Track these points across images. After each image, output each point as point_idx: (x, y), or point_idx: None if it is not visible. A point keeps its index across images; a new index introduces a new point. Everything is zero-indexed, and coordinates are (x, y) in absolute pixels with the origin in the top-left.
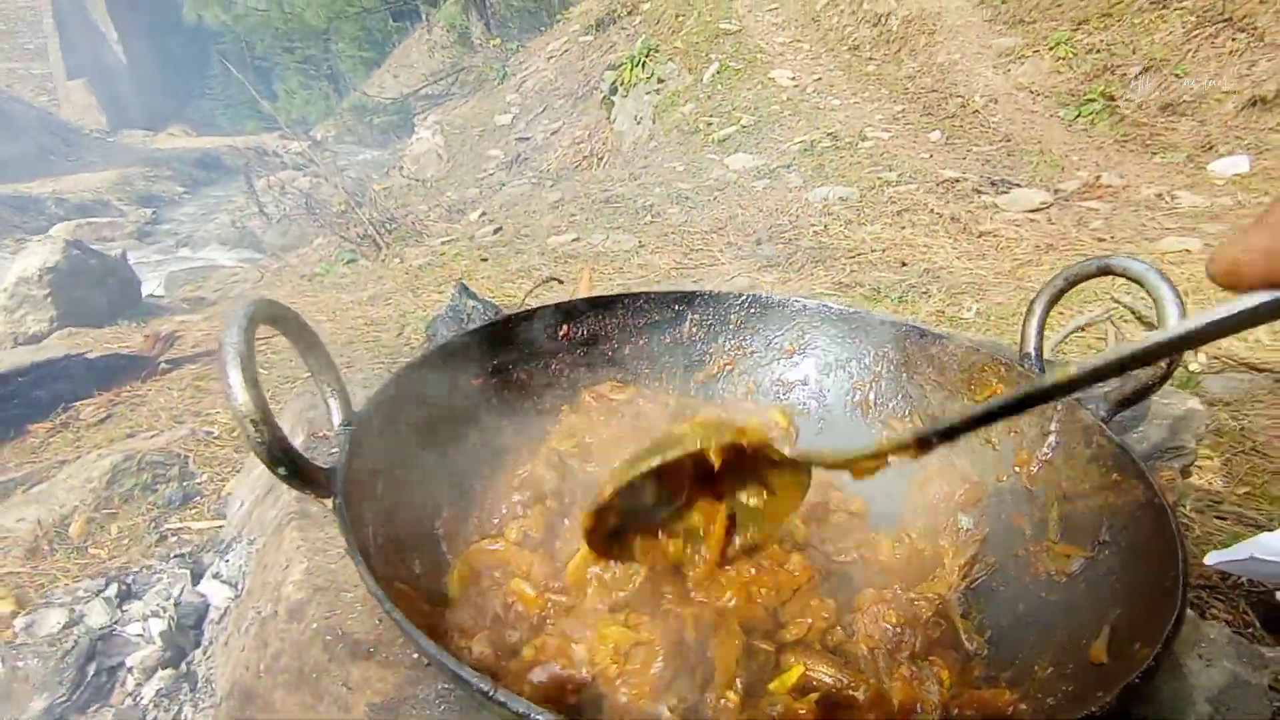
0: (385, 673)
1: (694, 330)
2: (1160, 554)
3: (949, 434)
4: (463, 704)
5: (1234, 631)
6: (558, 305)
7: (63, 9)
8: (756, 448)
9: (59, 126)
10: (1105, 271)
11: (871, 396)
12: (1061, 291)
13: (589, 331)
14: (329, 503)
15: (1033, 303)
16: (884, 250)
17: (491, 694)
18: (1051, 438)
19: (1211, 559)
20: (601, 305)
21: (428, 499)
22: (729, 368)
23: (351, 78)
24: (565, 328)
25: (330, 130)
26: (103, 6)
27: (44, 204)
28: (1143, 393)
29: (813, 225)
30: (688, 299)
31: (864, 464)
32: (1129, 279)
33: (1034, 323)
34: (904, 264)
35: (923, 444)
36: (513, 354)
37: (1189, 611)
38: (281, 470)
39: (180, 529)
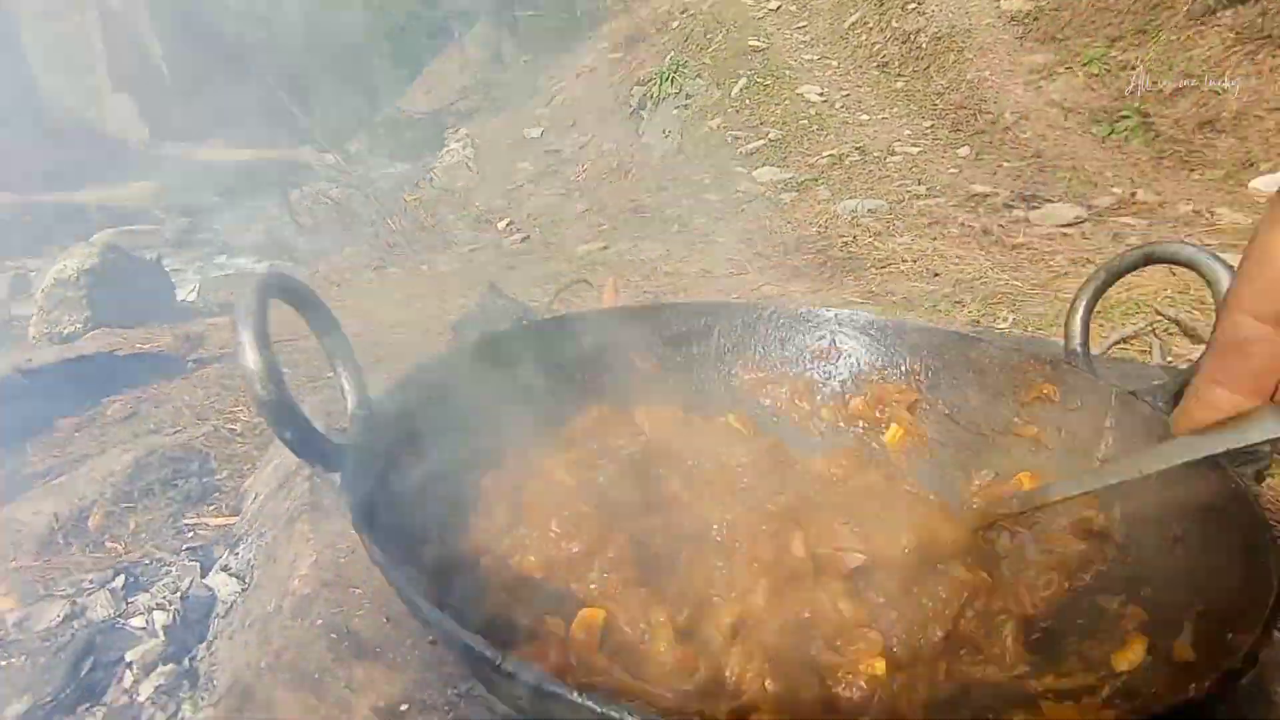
0: (392, 674)
1: (723, 341)
2: (1242, 541)
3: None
4: (473, 708)
5: None
6: (581, 313)
7: (110, 25)
8: None
9: (103, 138)
10: (1149, 260)
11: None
12: (1105, 284)
13: (612, 341)
14: (336, 478)
15: (1075, 299)
16: (915, 261)
17: (499, 664)
18: (1108, 435)
19: None
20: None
21: (445, 492)
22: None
23: (385, 93)
24: (589, 338)
25: (363, 144)
26: (147, 21)
27: (87, 212)
28: None
29: (841, 237)
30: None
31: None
32: (1179, 264)
33: (1078, 319)
34: (936, 275)
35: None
36: (538, 358)
37: (1276, 634)
38: (288, 434)
39: (198, 524)
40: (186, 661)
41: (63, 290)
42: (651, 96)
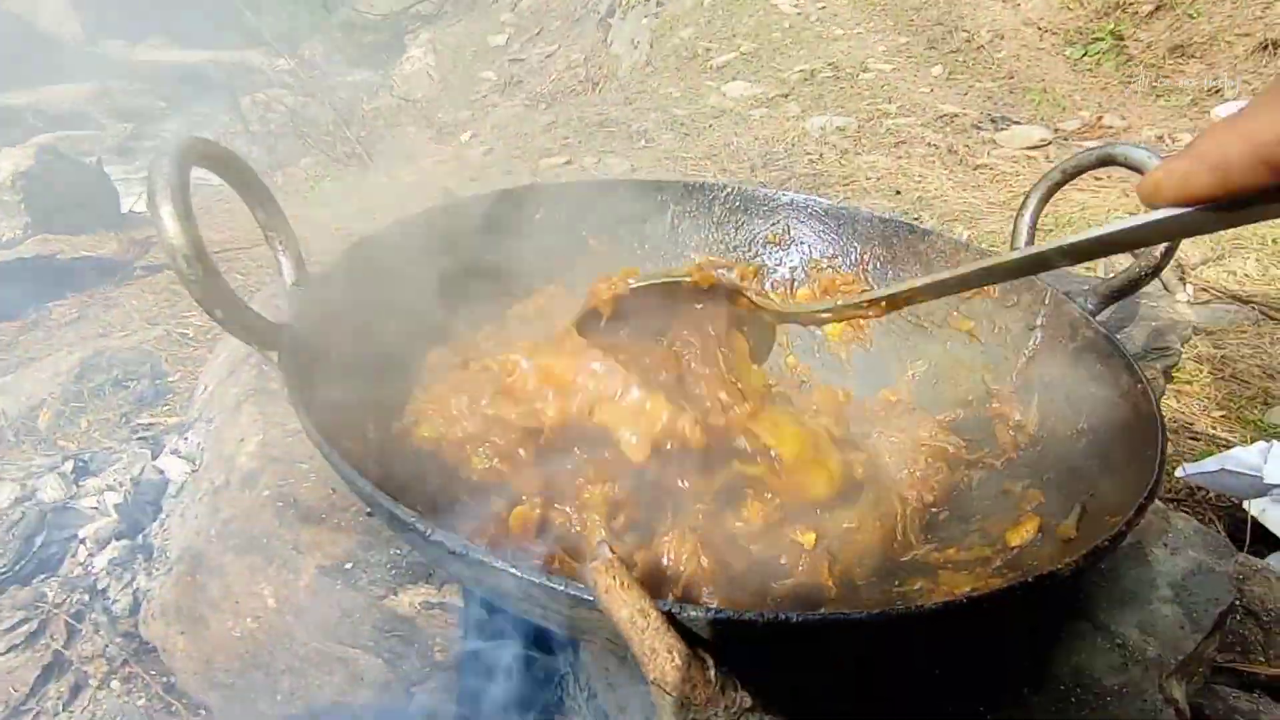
0: (337, 536)
1: (676, 223)
2: (1140, 434)
3: (906, 298)
4: (413, 568)
5: None
6: (533, 187)
7: None
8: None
9: (35, 35)
10: (1106, 161)
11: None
12: (1058, 184)
13: (567, 217)
14: (273, 355)
15: (1026, 196)
16: (878, 179)
17: (428, 535)
18: (1037, 333)
19: (1183, 470)
20: (580, 190)
21: (386, 366)
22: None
23: None
24: (541, 211)
25: (318, 48)
26: None
27: (21, 115)
28: (1132, 285)
29: (808, 154)
30: (667, 188)
31: (823, 317)
32: (1130, 167)
33: (1026, 217)
34: (898, 192)
35: (887, 305)
36: (487, 235)
37: (1159, 503)
38: (218, 313)
39: (152, 424)
40: (140, 538)
41: None
42: (621, 3)
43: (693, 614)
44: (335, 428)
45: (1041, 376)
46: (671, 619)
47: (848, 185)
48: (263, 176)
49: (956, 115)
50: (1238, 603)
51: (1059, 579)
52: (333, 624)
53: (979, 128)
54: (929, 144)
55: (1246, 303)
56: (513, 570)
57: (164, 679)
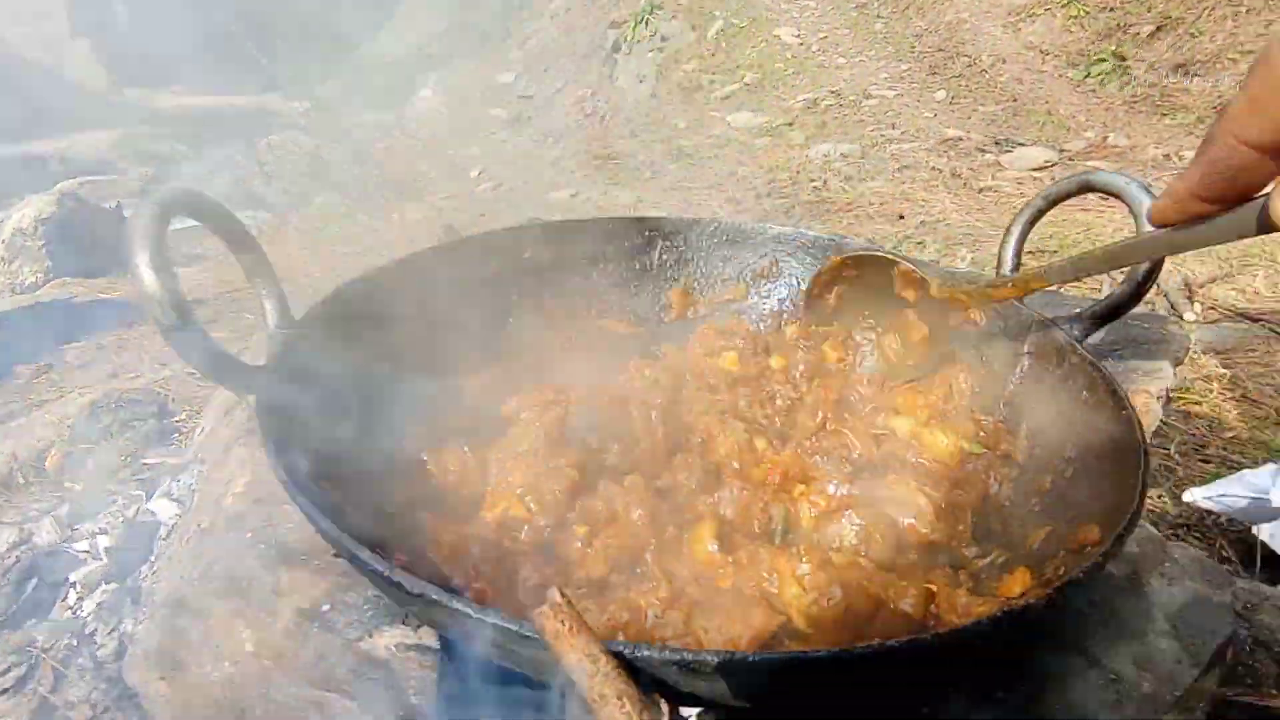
0: (315, 579)
1: (664, 257)
2: (1125, 463)
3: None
4: (390, 609)
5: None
6: (521, 228)
7: None
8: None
9: (63, 85)
10: (1086, 188)
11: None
12: (1041, 211)
13: (555, 256)
14: (251, 399)
15: (1010, 225)
16: (882, 204)
17: (388, 575)
18: (1024, 359)
19: (1190, 495)
20: (569, 230)
21: (372, 408)
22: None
23: (354, 38)
24: (530, 251)
25: (332, 90)
26: None
27: (48, 163)
28: (1116, 310)
29: (812, 180)
30: (656, 225)
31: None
32: (1109, 194)
33: (1011, 244)
34: (901, 217)
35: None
36: (476, 275)
37: (1155, 532)
38: (194, 358)
39: (157, 464)
40: (129, 581)
41: (21, 240)
42: (626, 39)
43: (646, 654)
44: (310, 469)
45: (1029, 405)
46: (623, 661)
47: (851, 211)
48: (279, 214)
49: (960, 139)
50: (1245, 633)
51: (1027, 614)
52: (308, 667)
53: (983, 151)
54: (932, 168)
55: (1256, 320)
56: (468, 611)
57: None
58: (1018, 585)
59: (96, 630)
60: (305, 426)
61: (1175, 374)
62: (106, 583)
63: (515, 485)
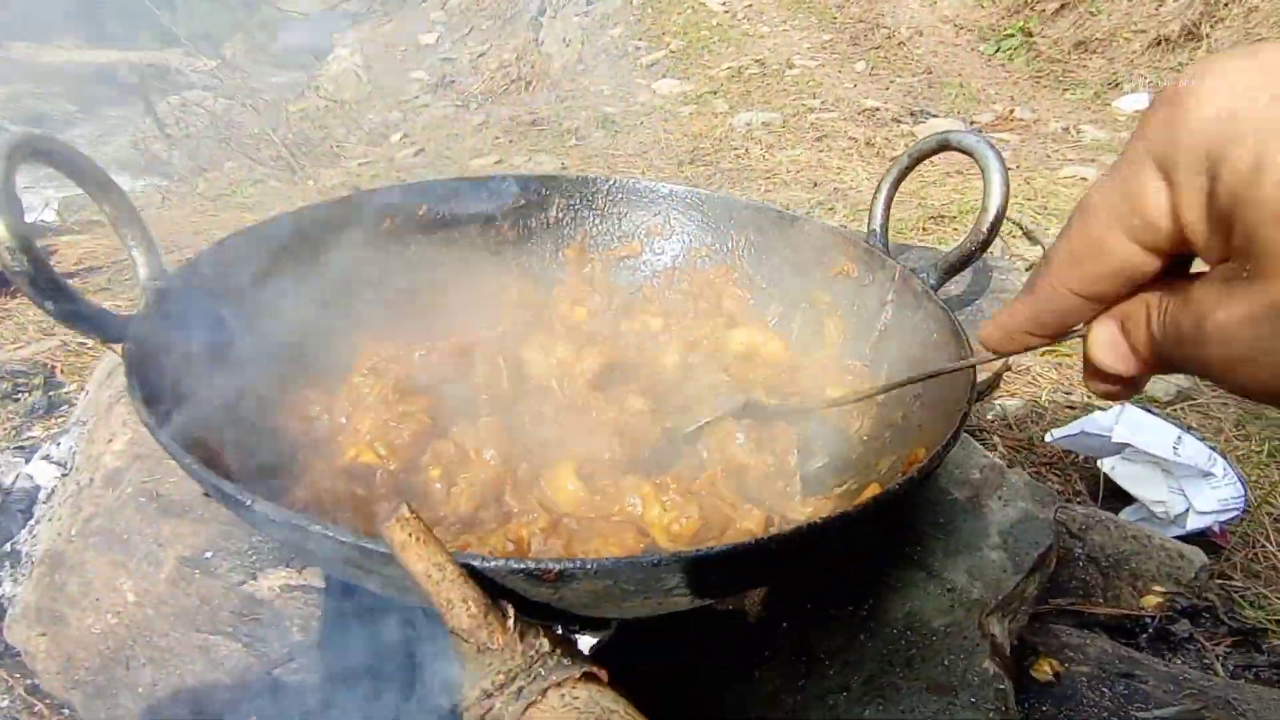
0: (198, 527)
1: (560, 215)
2: (958, 394)
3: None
4: (274, 553)
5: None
6: (412, 185)
7: None
8: None
9: None
10: (944, 146)
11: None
12: (906, 169)
13: (451, 212)
14: (118, 349)
15: (880, 182)
16: (799, 172)
17: (249, 504)
18: (888, 308)
19: (1051, 436)
20: (465, 187)
21: (247, 367)
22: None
23: None
24: (423, 208)
25: (240, 48)
26: None
27: None
28: (965, 260)
29: (734, 149)
30: (553, 181)
31: None
32: (963, 151)
33: (881, 200)
34: (815, 184)
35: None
36: (365, 232)
37: (996, 460)
38: (50, 304)
39: (44, 437)
40: (8, 546)
41: None
42: (552, 2)
43: (493, 565)
44: (186, 419)
45: (890, 349)
46: (472, 571)
47: (770, 178)
48: (185, 179)
49: (878, 109)
50: (1080, 550)
51: (849, 520)
52: (192, 613)
53: (899, 121)
54: (850, 138)
55: None
56: (318, 529)
57: (26, 681)
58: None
59: None
60: (175, 375)
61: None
62: None
63: (364, 433)
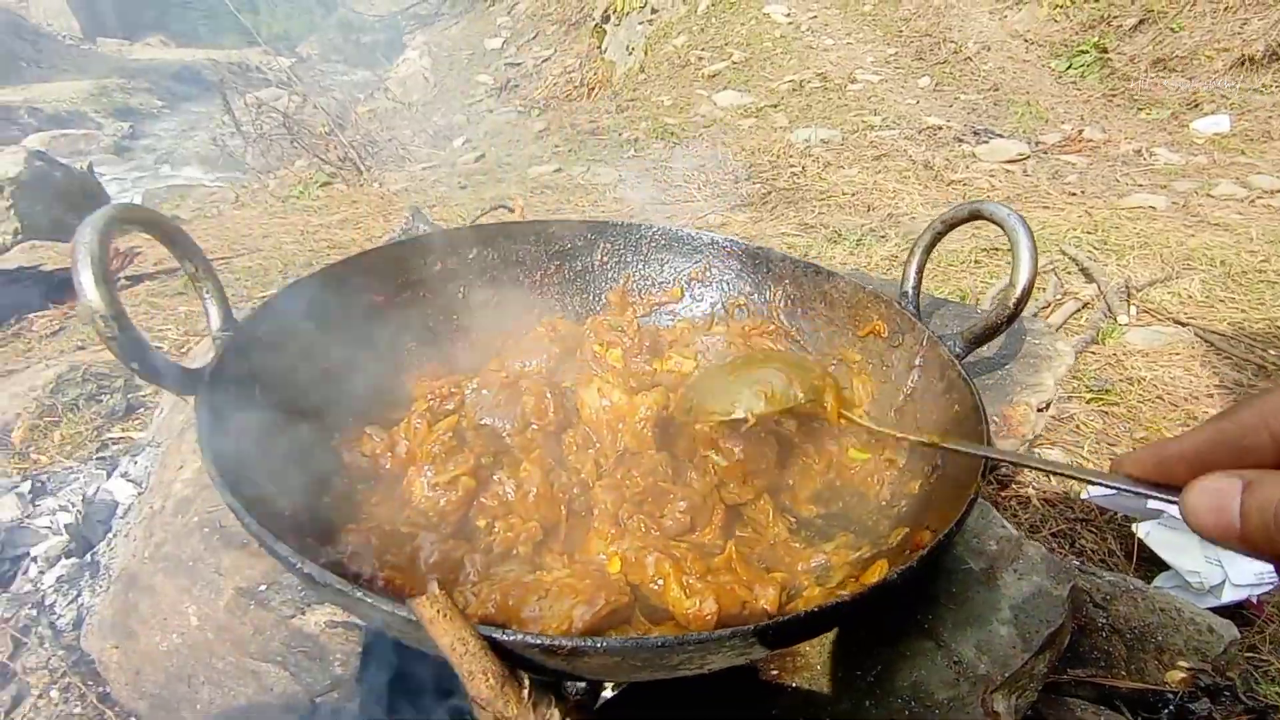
0: (255, 561)
1: (605, 259)
2: (968, 478)
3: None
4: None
5: (1058, 552)
6: (472, 228)
7: None
8: None
9: (28, 31)
10: (976, 216)
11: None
12: (939, 236)
13: (501, 255)
14: (191, 400)
15: (913, 247)
16: (854, 194)
17: (298, 566)
18: (915, 372)
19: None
20: (514, 231)
21: (318, 415)
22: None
23: None
24: (474, 251)
25: (315, 48)
26: None
27: (16, 113)
28: (992, 331)
29: (791, 166)
30: (600, 227)
31: None
32: (993, 222)
33: (914, 265)
34: (870, 208)
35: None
36: (418, 275)
37: (1014, 532)
38: (134, 364)
39: (123, 438)
40: (89, 556)
41: None
42: (616, 9)
43: (509, 638)
44: (248, 466)
45: (913, 413)
46: (493, 643)
47: (824, 199)
48: (257, 178)
49: (940, 128)
50: (1104, 620)
51: (843, 611)
52: (246, 641)
53: (961, 140)
54: (909, 158)
55: (1185, 325)
56: (361, 596)
57: (99, 689)
58: (875, 575)
59: (56, 602)
60: (240, 427)
61: (1054, 387)
62: (66, 557)
63: (415, 501)
